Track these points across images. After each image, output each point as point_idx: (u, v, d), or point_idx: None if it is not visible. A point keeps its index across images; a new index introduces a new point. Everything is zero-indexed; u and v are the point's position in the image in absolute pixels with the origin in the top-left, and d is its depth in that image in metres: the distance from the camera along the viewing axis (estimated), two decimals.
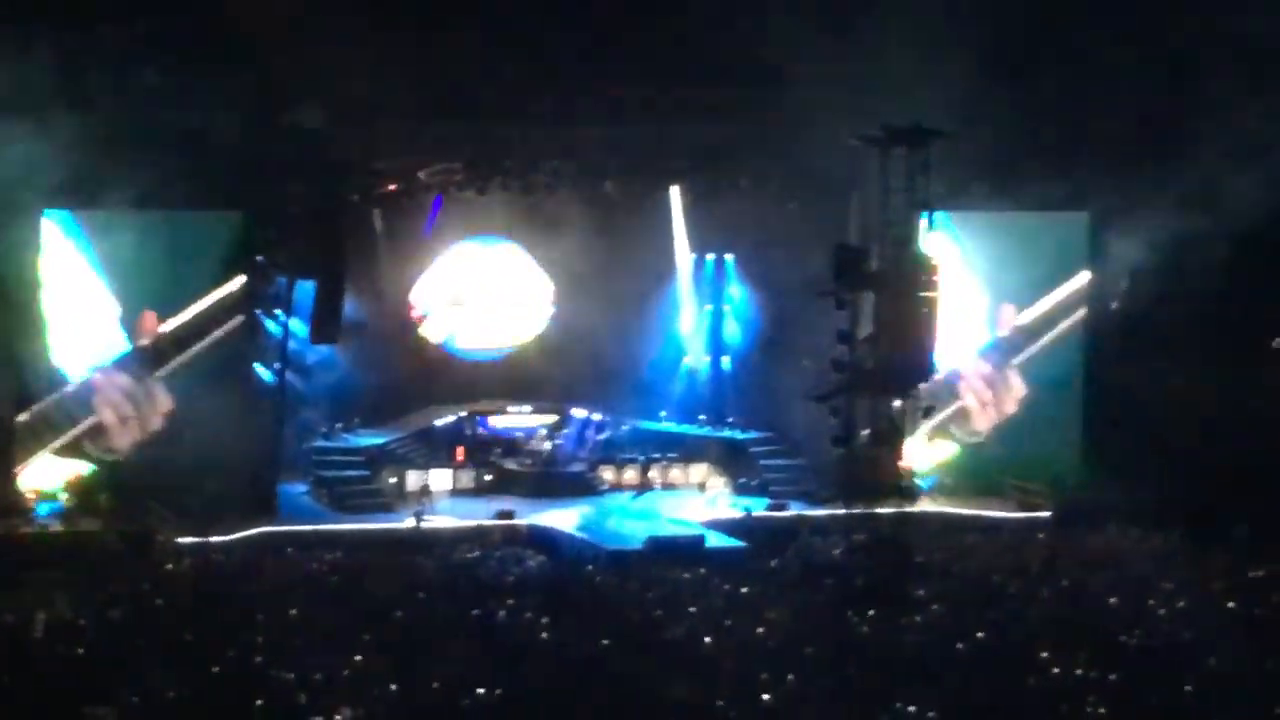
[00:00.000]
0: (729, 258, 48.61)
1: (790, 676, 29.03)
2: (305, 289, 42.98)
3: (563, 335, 48.01)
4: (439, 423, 46.52)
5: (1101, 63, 43.60)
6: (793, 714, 27.97)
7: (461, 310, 47.97)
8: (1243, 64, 41.64)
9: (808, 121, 40.86)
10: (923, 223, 36.75)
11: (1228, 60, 42.04)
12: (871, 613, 33.44)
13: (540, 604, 33.52)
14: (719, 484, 45.75)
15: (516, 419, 47.31)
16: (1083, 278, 45.90)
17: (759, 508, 43.64)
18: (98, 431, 41.23)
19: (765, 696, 28.36)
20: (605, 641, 30.79)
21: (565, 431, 46.98)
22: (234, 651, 29.84)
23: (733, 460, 46.66)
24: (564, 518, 41.98)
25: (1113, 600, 34.31)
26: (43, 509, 40.37)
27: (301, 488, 43.62)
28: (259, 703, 27.49)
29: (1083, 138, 44.28)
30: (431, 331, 47.76)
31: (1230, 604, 34.35)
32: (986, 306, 45.86)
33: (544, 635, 31.56)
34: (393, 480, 44.43)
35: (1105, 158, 43.91)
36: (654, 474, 46.41)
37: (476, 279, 47.95)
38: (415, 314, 47.44)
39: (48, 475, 40.80)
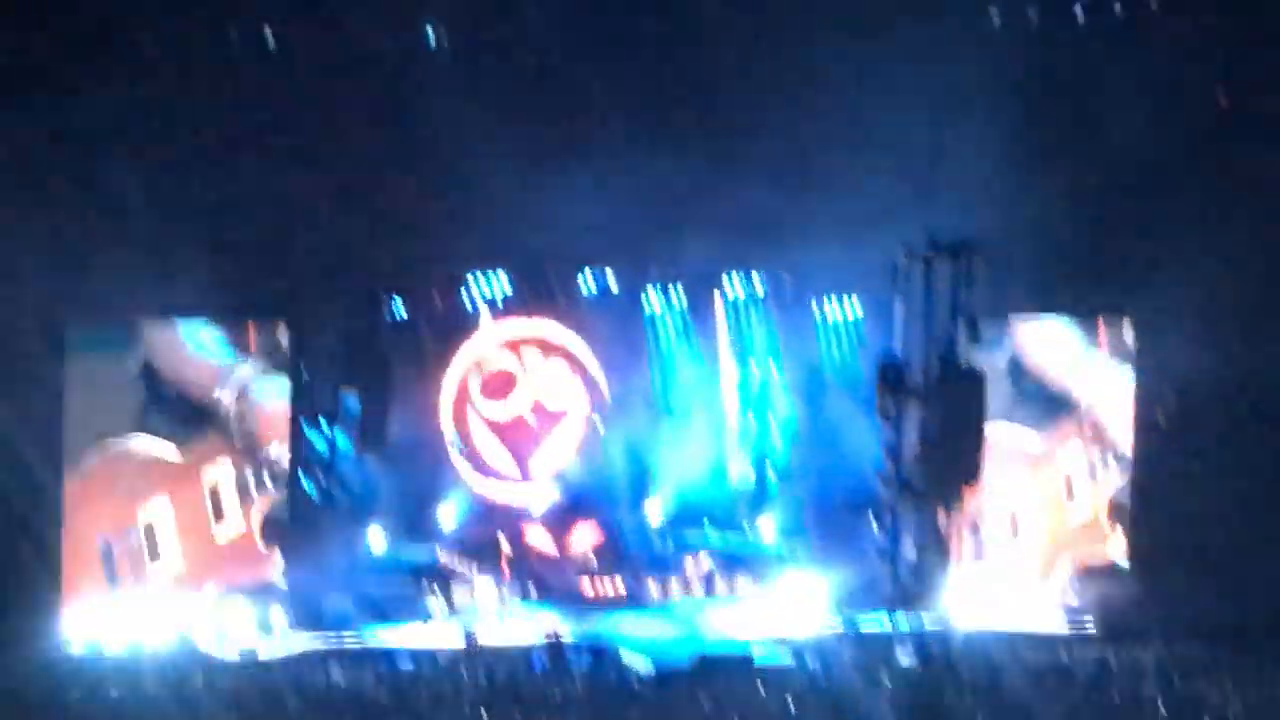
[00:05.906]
0: (773, 366, 48.46)
1: None
2: (350, 400, 43.10)
3: (605, 445, 47.82)
4: (483, 536, 46.33)
5: (1144, 162, 43.63)
6: None
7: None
8: None
9: (851, 229, 40.96)
10: (967, 334, 36.88)
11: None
12: None
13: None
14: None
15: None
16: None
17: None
18: None
19: None
20: None
21: (608, 544, 46.76)
22: None
23: (778, 570, 46.28)
24: (609, 628, 41.75)
25: (1161, 716, 34.10)
26: None
27: (346, 601, 43.49)
28: None
29: (1126, 241, 44.16)
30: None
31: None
32: None
33: None
34: (438, 594, 44.27)
35: (1150, 261, 43.71)
36: (697, 585, 46.11)
37: (521, 390, 47.79)
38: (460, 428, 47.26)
39: None
